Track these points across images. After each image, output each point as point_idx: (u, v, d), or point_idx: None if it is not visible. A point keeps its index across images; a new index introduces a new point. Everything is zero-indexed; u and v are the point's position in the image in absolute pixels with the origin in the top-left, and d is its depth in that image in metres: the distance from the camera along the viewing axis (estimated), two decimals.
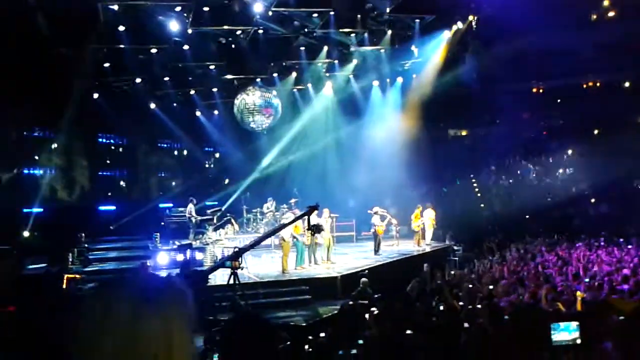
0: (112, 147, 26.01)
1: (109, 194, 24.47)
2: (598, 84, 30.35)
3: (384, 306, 10.90)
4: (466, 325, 8.00)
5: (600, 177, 23.65)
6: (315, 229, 12.55)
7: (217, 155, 27.28)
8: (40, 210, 20.47)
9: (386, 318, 9.68)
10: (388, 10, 19.16)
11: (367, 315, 10.36)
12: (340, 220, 20.46)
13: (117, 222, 21.61)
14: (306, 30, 19.57)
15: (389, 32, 20.89)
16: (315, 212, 15.41)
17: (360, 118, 25.66)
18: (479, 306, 9.54)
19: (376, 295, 12.87)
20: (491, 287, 12.17)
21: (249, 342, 2.61)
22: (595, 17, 28.97)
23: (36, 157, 22.21)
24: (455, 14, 21.40)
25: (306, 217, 11.45)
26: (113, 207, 23.29)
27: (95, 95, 21.09)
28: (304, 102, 25.07)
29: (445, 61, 23.92)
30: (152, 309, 1.30)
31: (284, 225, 13.41)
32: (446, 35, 22.57)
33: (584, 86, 30.70)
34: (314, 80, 24.17)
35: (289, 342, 9.28)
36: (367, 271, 14.70)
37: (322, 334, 9.74)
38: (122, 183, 24.79)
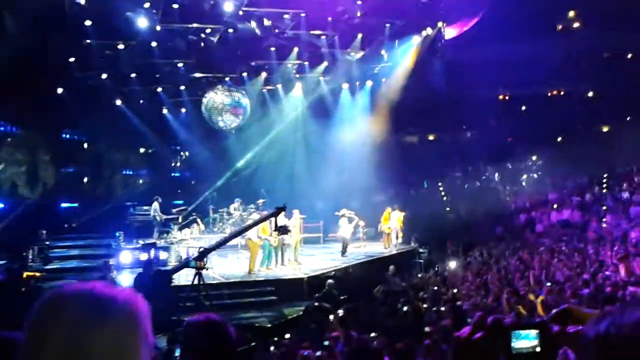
0: (77, 144, 25.47)
1: (72, 191, 23.95)
2: (562, 93, 31.02)
3: (349, 308, 10.95)
4: (427, 329, 8.08)
5: (563, 184, 24.18)
6: (282, 230, 12.52)
7: (184, 154, 26.97)
8: (1, 205, 19.96)
9: (351, 320, 9.73)
10: (359, 14, 19.26)
11: (331, 317, 10.39)
12: (308, 222, 20.44)
13: (79, 219, 21.15)
14: (277, 30, 19.51)
15: (360, 35, 21.01)
16: (283, 213, 15.45)
17: (330, 120, 25.71)
18: (443, 309, 9.67)
19: (342, 297, 12.93)
20: (455, 290, 12.34)
21: (209, 344, 2.57)
22: (560, 27, 29.62)
23: None
24: (425, 19, 21.63)
25: (273, 218, 11.41)
26: (76, 205, 22.82)
27: (60, 90, 20.62)
28: (274, 103, 25.00)
29: (414, 66, 24.15)
30: (101, 322, 1.23)
31: (250, 226, 13.35)
32: (416, 40, 22.80)
33: (549, 94, 31.34)
34: (284, 81, 24.13)
35: (253, 343, 9.24)
36: (333, 273, 14.73)
37: (287, 335, 9.72)
38: (84, 180, 24.24)
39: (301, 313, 12.15)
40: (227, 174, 23.75)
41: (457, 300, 11.25)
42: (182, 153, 26.42)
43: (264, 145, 25.00)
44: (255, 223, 13.65)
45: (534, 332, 1.34)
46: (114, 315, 1.26)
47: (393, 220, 20.26)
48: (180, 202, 22.21)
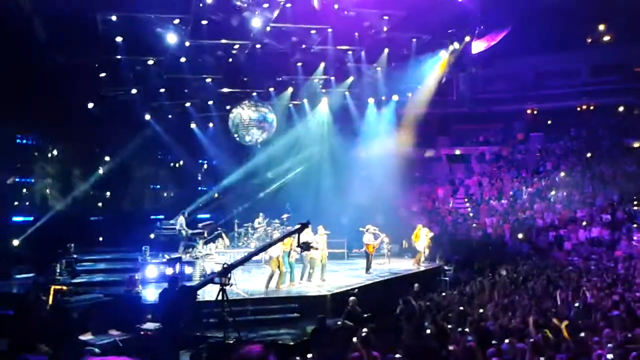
0: (106, 157, 25.86)
1: (101, 205, 24.31)
2: (592, 107, 30.52)
3: (372, 327, 10.83)
4: (452, 348, 7.95)
5: (592, 201, 23.71)
6: (305, 247, 12.47)
7: (210, 167, 27.18)
8: (30, 219, 20.34)
9: (374, 339, 9.61)
10: (385, 29, 19.27)
11: (355, 338, 10.28)
12: (333, 237, 20.37)
13: (106, 233, 21.43)
14: (304, 46, 19.62)
15: (386, 50, 21.01)
16: (309, 229, 15.44)
17: (356, 135, 25.72)
18: (468, 329, 9.49)
19: (365, 315, 12.80)
20: (481, 310, 12.12)
21: None
22: (590, 40, 29.22)
23: (29, 165, 22.08)
24: (452, 34, 21.55)
25: (297, 234, 11.37)
26: (104, 218, 23.15)
27: (91, 105, 21.01)
28: (300, 117, 25.11)
29: (441, 80, 24.06)
30: None
31: (275, 242, 13.33)
32: (442, 54, 22.71)
33: (578, 109, 30.87)
34: (310, 95, 24.25)
35: None
36: (357, 290, 14.60)
37: (309, 355, 9.65)
38: (113, 194, 24.58)
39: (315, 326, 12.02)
40: (253, 185, 23.81)
41: (483, 321, 11.04)
42: (209, 167, 26.57)
43: (289, 159, 25.08)
44: (280, 239, 13.63)
45: None
46: None
47: (422, 237, 20.02)
48: (207, 216, 22.35)
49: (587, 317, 11.39)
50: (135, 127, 22.62)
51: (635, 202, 22.67)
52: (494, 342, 8.40)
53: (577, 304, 12.39)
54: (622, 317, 11.40)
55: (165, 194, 26.71)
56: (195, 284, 13.17)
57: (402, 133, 26.60)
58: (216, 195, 25.45)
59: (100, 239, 21.25)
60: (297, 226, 12.42)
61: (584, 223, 22.42)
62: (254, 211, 21.70)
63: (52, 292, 12.37)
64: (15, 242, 19.16)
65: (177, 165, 26.20)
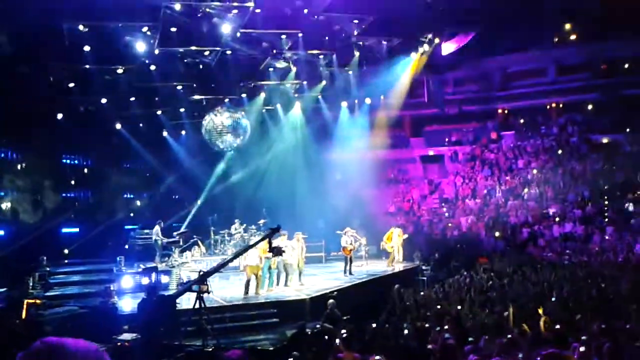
0: (77, 168, 25.51)
1: (73, 216, 23.92)
2: (561, 105, 31.04)
3: (352, 328, 10.85)
4: (430, 346, 8.00)
5: (564, 197, 24.09)
6: (277, 251, 12.46)
7: (184, 175, 26.95)
8: (1, 232, 19.93)
9: (354, 340, 9.62)
10: (356, 33, 19.39)
11: (336, 340, 10.28)
12: (310, 241, 20.37)
13: (78, 243, 21.06)
14: (275, 51, 19.62)
15: (357, 54, 21.14)
16: (285, 235, 15.47)
17: (330, 138, 25.78)
18: (447, 327, 9.56)
19: (345, 317, 12.81)
20: (459, 307, 12.23)
21: None
22: (557, 39, 29.73)
23: None
24: (422, 37, 21.80)
25: (267, 239, 11.39)
26: (77, 229, 22.76)
27: (60, 116, 20.69)
28: (273, 123, 25.08)
29: (412, 82, 24.29)
30: None
31: (247, 248, 13.35)
32: (413, 57, 22.95)
33: (547, 107, 31.38)
34: (283, 100, 24.24)
35: None
36: (335, 293, 14.61)
37: (290, 359, 9.61)
38: (85, 204, 24.20)
39: (302, 335, 12.02)
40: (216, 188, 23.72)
41: (461, 318, 11.14)
42: (181, 174, 26.33)
43: (264, 165, 25.03)
44: (251, 246, 13.63)
45: None
46: None
47: (395, 238, 20.17)
48: (181, 224, 22.15)
49: (563, 310, 11.58)
50: (106, 137, 22.33)
51: (605, 197, 23.08)
52: (470, 338, 8.48)
53: (553, 299, 12.60)
54: (596, 308, 11.64)
55: (138, 203, 26.38)
56: (174, 292, 13.05)
57: (375, 135, 26.75)
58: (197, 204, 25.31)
59: (71, 250, 20.80)
60: (268, 231, 12.42)
61: (557, 219, 22.76)
62: (230, 218, 21.58)
63: (25, 305, 12.13)
64: None
65: (149, 174, 25.86)
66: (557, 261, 19.06)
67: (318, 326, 11.79)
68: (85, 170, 25.29)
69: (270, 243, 10.62)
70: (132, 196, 26.42)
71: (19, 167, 22.25)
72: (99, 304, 13.57)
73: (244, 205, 23.23)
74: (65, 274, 18.44)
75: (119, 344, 10.97)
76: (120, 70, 19.18)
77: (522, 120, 31.45)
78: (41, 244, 18.84)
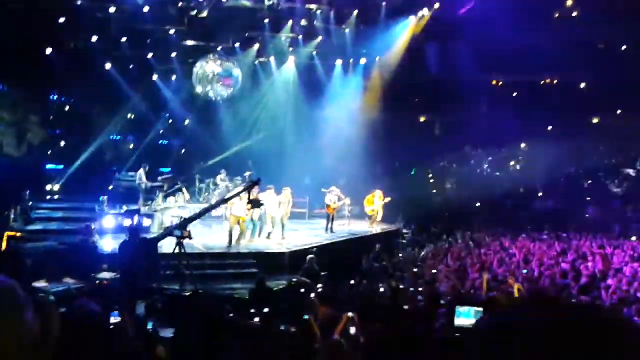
0: (64, 106, 25.16)
1: (58, 153, 23.74)
2: (555, 82, 30.98)
3: (329, 284, 11.02)
4: (406, 307, 8.17)
5: (549, 173, 24.32)
6: (255, 204, 12.59)
7: (172, 121, 26.74)
8: None
9: (329, 296, 9.79)
10: None
11: (312, 294, 10.44)
12: (294, 197, 20.46)
13: (60, 180, 20.94)
14: (271, 1, 19.26)
15: (355, 12, 20.82)
16: (273, 190, 15.60)
17: (321, 96, 25.56)
18: (420, 289, 9.75)
19: (323, 273, 13.00)
20: (434, 271, 12.44)
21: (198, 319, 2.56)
22: (557, 14, 29.45)
23: None
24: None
25: (247, 191, 11.51)
26: (61, 167, 22.61)
27: (48, 51, 20.28)
28: (265, 75, 24.79)
29: (408, 46, 24.02)
30: None
31: (227, 199, 13.47)
32: (412, 20, 22.65)
33: (542, 82, 31.31)
34: (277, 53, 23.88)
35: (231, 314, 9.29)
36: (315, 249, 14.77)
37: (266, 309, 9.76)
38: (71, 142, 23.94)
39: (282, 287, 12.22)
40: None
41: (435, 282, 11.35)
42: (170, 121, 26.09)
43: (254, 117, 24.87)
44: (230, 197, 13.74)
45: (474, 311, 1.34)
46: None
47: (376, 201, 20.22)
48: (167, 169, 22.10)
49: (536, 283, 11.82)
50: (95, 76, 21.97)
51: (590, 177, 23.37)
52: (442, 302, 8.66)
53: (525, 271, 12.83)
54: (568, 285, 11.88)
55: (125, 146, 26.18)
56: (155, 236, 13.14)
57: (368, 96, 26.58)
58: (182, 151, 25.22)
59: (55, 185, 20.68)
60: (248, 183, 12.51)
61: (540, 194, 23.03)
62: (216, 167, 21.56)
63: (5, 237, 12.15)
64: None
65: (137, 117, 25.59)
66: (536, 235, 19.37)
67: (295, 280, 11.97)
68: (73, 108, 24.92)
69: (249, 195, 10.63)
70: (118, 137, 26.18)
71: (5, 100, 21.91)
72: (79, 241, 13.61)
73: (231, 156, 23.20)
74: (47, 209, 18.41)
75: (97, 282, 11.09)
76: (112, 9, 18.75)
77: (515, 94, 31.39)
78: (24, 178, 18.72)
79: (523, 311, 1.10)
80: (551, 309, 1.08)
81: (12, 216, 15.59)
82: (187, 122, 25.59)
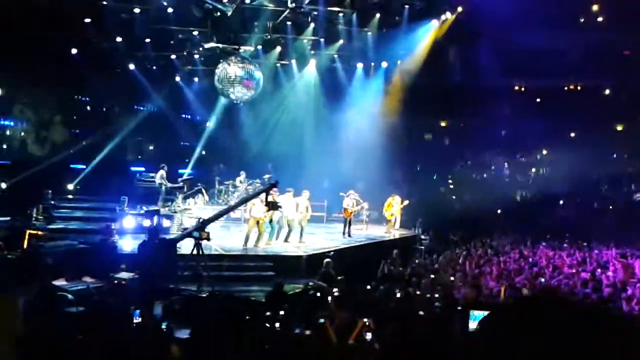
0: (88, 105, 25.50)
1: (82, 152, 24.05)
2: (579, 88, 30.60)
3: (345, 289, 10.99)
4: (421, 313, 8.11)
5: (571, 180, 23.97)
6: (272, 206, 12.60)
7: (195, 123, 26.92)
8: (8, 162, 20.08)
9: (345, 300, 9.75)
10: None
11: (329, 298, 10.43)
12: (313, 200, 20.44)
13: (82, 180, 21.23)
14: (294, 4, 19.30)
15: (378, 15, 20.77)
16: (292, 193, 15.61)
17: (342, 99, 25.55)
18: (437, 295, 9.67)
19: (339, 277, 12.96)
20: (452, 278, 12.33)
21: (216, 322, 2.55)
22: (583, 20, 29.09)
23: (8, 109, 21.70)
24: (445, 4, 21.34)
25: (264, 193, 11.53)
26: (84, 166, 22.90)
27: (74, 51, 20.58)
28: (287, 78, 24.85)
29: (431, 50, 23.89)
30: None
31: (244, 200, 13.50)
32: (434, 24, 22.51)
33: (566, 88, 30.94)
34: (299, 56, 23.94)
35: (247, 317, 9.31)
36: (333, 253, 14.73)
37: (282, 312, 9.77)
38: (94, 142, 24.24)
39: (298, 291, 12.22)
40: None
41: (453, 289, 11.25)
42: (192, 122, 26.29)
43: (274, 119, 24.94)
44: (247, 199, 13.80)
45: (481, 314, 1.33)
46: None
47: (395, 206, 20.12)
48: (188, 171, 22.27)
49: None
50: (119, 76, 22.23)
51: (613, 184, 23.00)
52: (459, 308, 8.57)
53: (543, 280, 12.67)
54: (588, 294, 11.69)
55: (147, 147, 26.45)
56: (175, 237, 13.23)
57: (389, 101, 26.49)
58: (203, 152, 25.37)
59: (76, 185, 20.97)
60: (267, 186, 12.54)
61: (561, 202, 22.73)
62: (236, 169, 21.66)
63: (27, 236, 12.32)
64: (3, 185, 18.95)
65: (159, 118, 25.82)
66: (556, 244, 19.11)
67: (311, 284, 11.96)
68: (95, 108, 25.26)
69: (266, 197, 10.65)
70: (140, 138, 26.44)
71: (30, 99, 22.27)
72: (99, 241, 13.76)
73: (251, 158, 23.29)
74: (69, 208, 18.67)
75: (115, 281, 11.17)
76: (137, 10, 18.96)
77: (538, 100, 31.06)
78: (47, 177, 19.01)
79: (528, 309, 1.10)
80: (555, 307, 1.08)
81: (34, 215, 15.82)
82: (208, 124, 25.75)
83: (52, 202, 17.32)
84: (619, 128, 27.08)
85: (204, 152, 26.25)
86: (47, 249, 12.36)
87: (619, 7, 25.69)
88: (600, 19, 28.43)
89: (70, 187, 21.02)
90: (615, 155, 24.77)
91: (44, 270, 10.63)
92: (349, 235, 18.28)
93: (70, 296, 9.10)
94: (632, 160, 23.80)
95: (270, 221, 15.54)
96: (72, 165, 22.97)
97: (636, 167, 23.33)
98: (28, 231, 12.85)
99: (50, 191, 17.52)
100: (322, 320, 8.27)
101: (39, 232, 13.25)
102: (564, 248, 17.90)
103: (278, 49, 23.04)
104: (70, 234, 14.92)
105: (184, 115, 25.49)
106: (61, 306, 8.46)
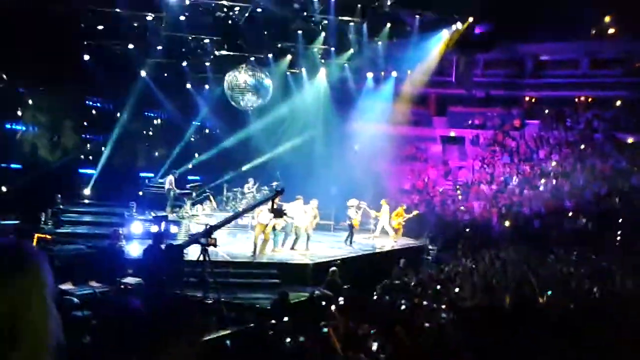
0: (99, 111, 25.70)
1: (92, 158, 24.23)
2: (590, 99, 30.48)
3: (349, 298, 10.96)
4: (427, 325, 8.06)
5: (580, 193, 23.78)
6: (278, 213, 12.60)
7: (204, 129, 27.07)
8: (19, 167, 20.26)
9: (350, 309, 9.73)
10: (389, 3, 19.08)
11: (332, 307, 10.40)
12: (320, 208, 20.43)
13: (91, 185, 21.38)
14: (305, 13, 19.41)
15: (388, 25, 20.83)
16: (301, 200, 15.63)
17: (352, 108, 25.60)
18: (443, 306, 9.61)
19: (345, 286, 12.94)
20: (457, 289, 12.27)
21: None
22: (594, 32, 29.04)
23: (19, 113, 21.89)
24: (455, 14, 21.38)
25: (271, 200, 11.53)
26: (94, 172, 23.06)
27: (86, 57, 20.78)
28: (297, 86, 24.95)
29: (441, 60, 23.92)
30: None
31: (250, 207, 13.52)
32: (445, 34, 22.55)
33: (576, 99, 30.83)
34: (309, 65, 24.04)
35: (252, 324, 9.31)
36: (339, 261, 14.72)
37: (286, 319, 9.76)
38: (104, 147, 24.40)
39: (303, 299, 12.21)
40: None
41: (459, 301, 11.19)
42: (202, 129, 26.43)
43: (283, 127, 25.01)
44: (254, 206, 13.82)
45: None
46: (11, 267, 1.26)
47: (403, 215, 20.08)
48: (196, 177, 22.35)
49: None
50: (130, 82, 22.40)
51: (623, 197, 22.76)
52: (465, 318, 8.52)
53: (550, 292, 12.55)
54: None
55: (156, 153, 26.59)
56: (181, 242, 13.27)
57: (398, 110, 26.52)
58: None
59: (85, 190, 21.13)
60: (272, 193, 12.54)
61: (570, 214, 22.53)
62: (244, 176, 21.71)
63: (35, 239, 12.40)
64: (3, 189, 19.13)
65: (169, 124, 26.01)
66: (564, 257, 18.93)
67: (317, 292, 11.93)
68: (107, 114, 25.45)
69: (272, 204, 10.65)
70: (148, 145, 26.62)
71: (42, 103, 22.47)
72: (106, 245, 13.83)
73: (259, 165, 23.36)
74: (77, 213, 18.80)
75: (122, 286, 11.21)
76: (149, 17, 19.13)
77: (547, 111, 30.96)
78: (57, 181, 19.15)
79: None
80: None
81: (43, 218, 15.93)
82: (218, 130, 25.88)
83: (61, 207, 17.43)
84: (630, 141, 26.85)
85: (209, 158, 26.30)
86: (55, 252, 12.43)
87: (631, 18, 25.62)
88: (610, 31, 28.38)
89: (87, 191, 21.19)
90: (626, 168, 24.53)
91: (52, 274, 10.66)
92: (351, 244, 18.22)
93: (76, 300, 9.14)
94: None
95: (274, 228, 15.55)
96: (80, 170, 23.12)
97: None
98: (37, 234, 12.93)
99: (59, 195, 17.64)
100: (325, 330, 8.26)
101: (48, 236, 13.34)
102: (572, 261, 17.74)
103: (289, 57, 23.15)
104: (78, 238, 14.99)
105: (194, 122, 25.58)
106: (67, 310, 8.50)
